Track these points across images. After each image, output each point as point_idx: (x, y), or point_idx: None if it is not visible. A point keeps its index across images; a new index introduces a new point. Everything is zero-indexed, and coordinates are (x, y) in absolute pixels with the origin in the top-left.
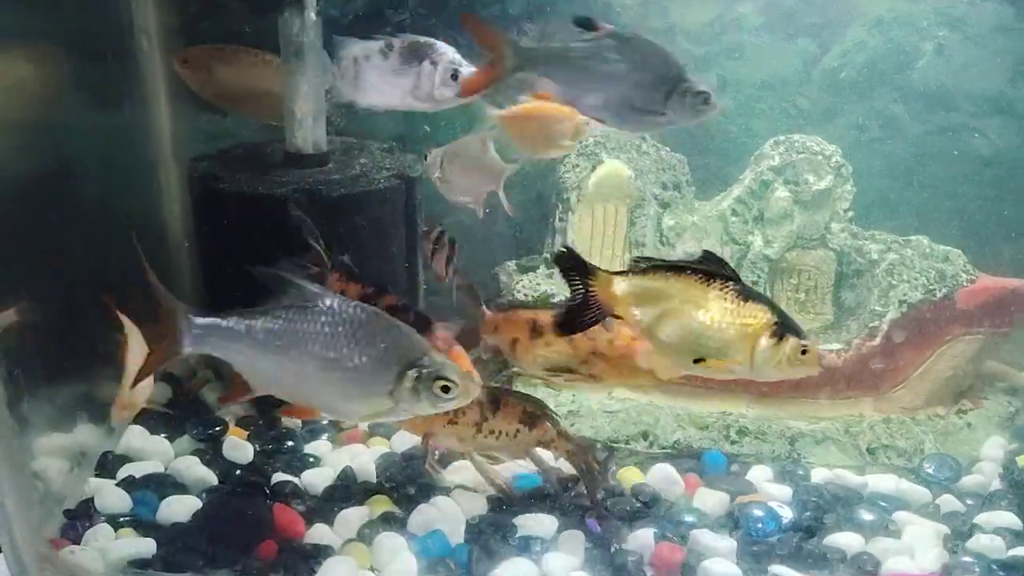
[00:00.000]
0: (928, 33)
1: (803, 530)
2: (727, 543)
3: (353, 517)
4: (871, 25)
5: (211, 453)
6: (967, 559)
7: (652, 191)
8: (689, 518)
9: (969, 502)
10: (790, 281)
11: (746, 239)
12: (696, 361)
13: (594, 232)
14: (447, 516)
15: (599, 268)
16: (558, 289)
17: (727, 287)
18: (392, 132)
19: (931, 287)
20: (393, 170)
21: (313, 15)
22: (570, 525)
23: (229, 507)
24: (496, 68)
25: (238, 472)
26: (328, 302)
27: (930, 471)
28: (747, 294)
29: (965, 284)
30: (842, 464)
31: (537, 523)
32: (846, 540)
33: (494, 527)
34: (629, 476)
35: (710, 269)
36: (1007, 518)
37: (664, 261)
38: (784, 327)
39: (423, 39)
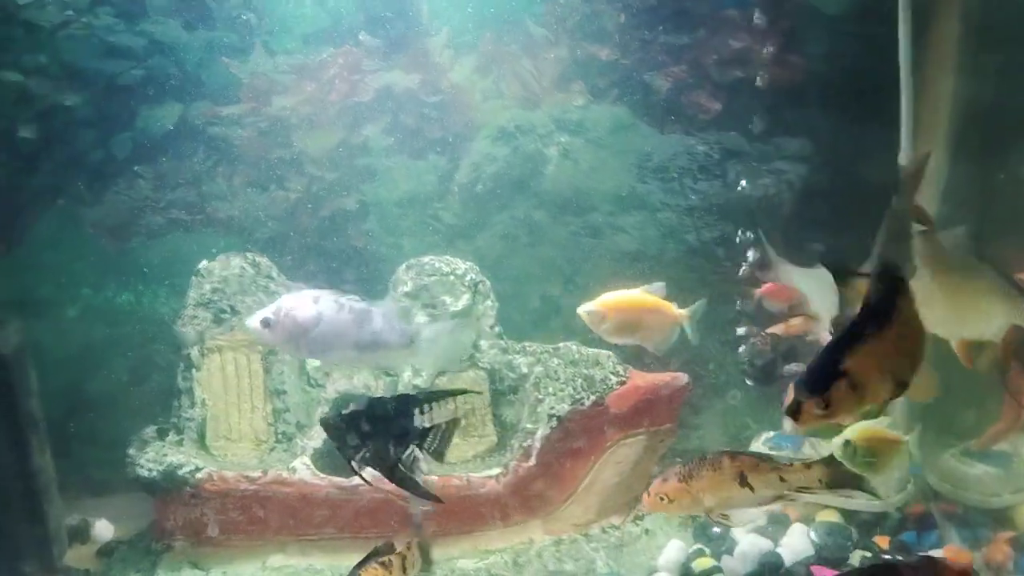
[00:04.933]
0: (550, 139)
1: None
2: None
3: None
4: (495, 136)
5: None
6: None
7: None
8: None
9: None
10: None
11: (396, 370)
12: None
13: (227, 387)
14: None
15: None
16: (185, 459)
17: None
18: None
19: (578, 396)
20: None
21: None
22: None
23: None
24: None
25: None
26: None
27: None
28: None
29: (616, 387)
30: None
31: None
32: None
33: None
34: None
35: None
36: None
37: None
38: None
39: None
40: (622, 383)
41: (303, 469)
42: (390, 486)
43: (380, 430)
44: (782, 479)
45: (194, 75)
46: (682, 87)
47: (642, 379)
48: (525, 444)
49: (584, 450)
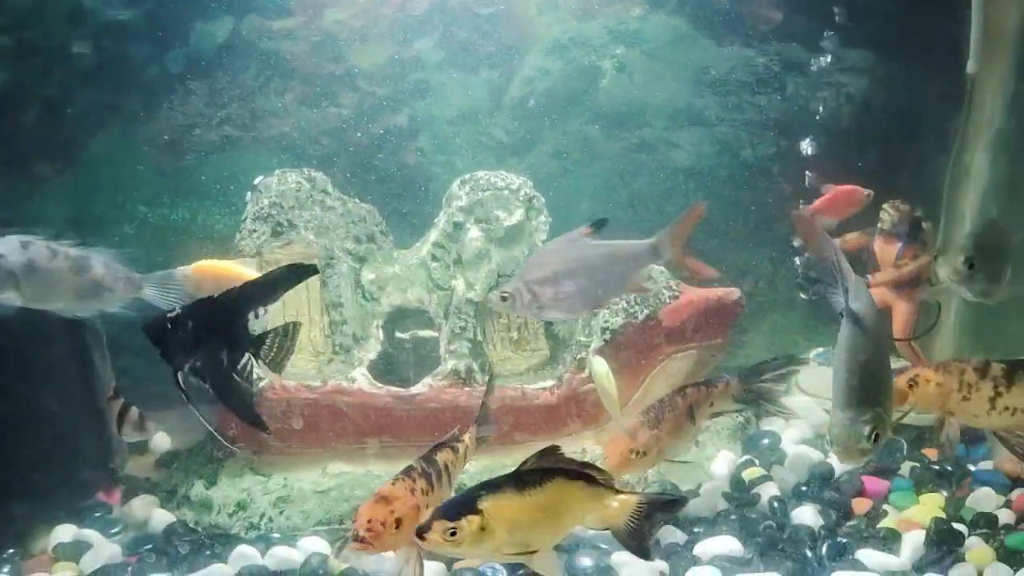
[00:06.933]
0: (605, 52)
1: None
2: None
3: None
4: (548, 50)
5: None
6: None
7: (343, 247)
8: None
9: (696, 529)
10: (500, 322)
11: (449, 284)
12: None
13: (285, 300)
14: None
15: None
16: None
17: None
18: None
19: (632, 310)
20: None
21: None
22: None
23: None
24: None
25: None
26: None
27: None
28: None
29: (668, 301)
30: None
31: None
32: None
33: None
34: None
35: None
36: (726, 543)
37: None
38: None
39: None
40: (675, 298)
41: (362, 379)
42: None
43: (212, 336)
44: (711, 404)
45: None
46: None
47: (695, 294)
48: (579, 357)
49: (637, 363)
